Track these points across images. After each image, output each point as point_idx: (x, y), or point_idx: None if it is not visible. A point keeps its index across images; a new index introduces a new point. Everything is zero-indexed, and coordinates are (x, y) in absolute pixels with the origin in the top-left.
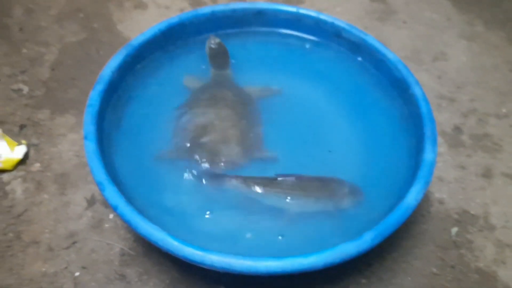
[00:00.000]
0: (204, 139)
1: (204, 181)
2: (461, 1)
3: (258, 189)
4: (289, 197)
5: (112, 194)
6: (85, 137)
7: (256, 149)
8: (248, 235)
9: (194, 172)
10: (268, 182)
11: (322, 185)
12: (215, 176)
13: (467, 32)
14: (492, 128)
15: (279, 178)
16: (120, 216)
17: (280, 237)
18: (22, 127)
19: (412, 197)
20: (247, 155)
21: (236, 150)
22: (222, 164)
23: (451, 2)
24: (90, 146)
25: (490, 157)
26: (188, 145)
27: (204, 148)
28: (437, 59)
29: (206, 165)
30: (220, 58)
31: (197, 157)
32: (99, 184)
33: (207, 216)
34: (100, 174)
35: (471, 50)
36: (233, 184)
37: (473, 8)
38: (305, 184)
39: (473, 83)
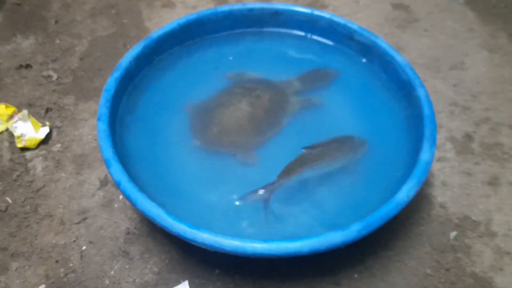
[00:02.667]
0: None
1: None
2: (485, 13)
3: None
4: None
5: (117, 171)
6: (98, 118)
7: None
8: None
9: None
10: (295, 167)
11: (340, 145)
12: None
13: (489, 43)
14: (504, 138)
15: (305, 151)
16: (122, 192)
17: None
18: (48, 110)
19: (403, 193)
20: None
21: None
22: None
23: (475, 13)
24: (102, 127)
25: (499, 166)
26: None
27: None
28: (455, 67)
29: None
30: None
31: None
32: (106, 161)
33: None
34: (108, 152)
35: (491, 61)
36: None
37: (497, 20)
38: (327, 149)
39: (489, 93)
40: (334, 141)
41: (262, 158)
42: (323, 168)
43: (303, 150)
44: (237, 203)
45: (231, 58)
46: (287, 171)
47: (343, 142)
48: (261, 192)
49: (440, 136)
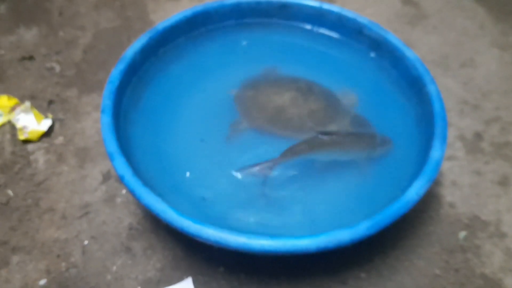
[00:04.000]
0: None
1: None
2: (497, 10)
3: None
4: (328, 153)
5: (121, 164)
6: (102, 111)
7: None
8: None
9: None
10: (310, 146)
11: (358, 139)
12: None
13: (500, 41)
14: None
15: (320, 136)
16: (126, 186)
17: None
18: (50, 102)
19: (413, 192)
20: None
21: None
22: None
23: (486, 11)
24: (105, 119)
25: (509, 166)
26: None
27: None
28: (465, 65)
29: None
30: None
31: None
32: (109, 155)
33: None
34: (112, 145)
35: (502, 59)
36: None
37: (509, 17)
38: (342, 140)
39: (500, 92)
40: (353, 134)
41: None
42: (332, 156)
43: (317, 134)
44: (236, 174)
45: (244, 43)
46: (292, 150)
47: (361, 137)
48: (261, 166)
49: (450, 135)
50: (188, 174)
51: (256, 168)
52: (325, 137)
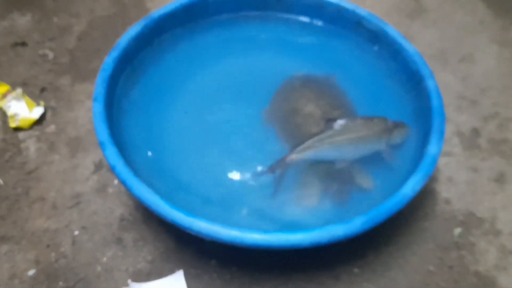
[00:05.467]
0: None
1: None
2: (497, 6)
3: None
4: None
5: (112, 154)
6: (94, 99)
7: None
8: None
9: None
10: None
11: (368, 121)
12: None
13: (500, 37)
14: None
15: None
16: (117, 176)
17: None
18: (43, 90)
19: (409, 187)
20: None
21: None
22: None
23: (486, 6)
24: (97, 108)
25: (506, 163)
26: None
27: None
28: (464, 60)
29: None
30: None
31: None
32: (101, 144)
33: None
34: (103, 134)
35: (502, 55)
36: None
37: (509, 13)
38: (352, 125)
39: (498, 88)
40: (361, 118)
41: None
42: (346, 146)
43: (326, 122)
44: (251, 178)
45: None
46: (304, 145)
47: (371, 120)
48: (275, 166)
49: (447, 130)
50: (150, 153)
51: (271, 170)
52: (334, 124)
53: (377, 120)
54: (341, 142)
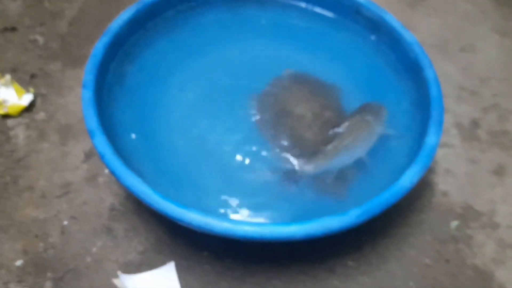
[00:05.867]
0: None
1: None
2: None
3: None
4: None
5: (101, 142)
6: (84, 86)
7: None
8: None
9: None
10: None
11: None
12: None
13: (501, 26)
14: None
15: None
16: (106, 165)
17: None
18: (33, 76)
19: (406, 179)
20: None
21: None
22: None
23: None
24: (87, 95)
25: (506, 155)
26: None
27: None
28: (465, 50)
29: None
30: None
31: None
32: (90, 132)
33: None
34: (92, 122)
35: (503, 45)
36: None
37: (511, 3)
38: (354, 121)
39: (499, 79)
40: (356, 113)
41: None
42: (357, 146)
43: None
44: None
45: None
46: (321, 156)
47: (364, 111)
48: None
49: (446, 121)
50: (133, 136)
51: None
52: (339, 129)
53: (368, 109)
54: (352, 143)
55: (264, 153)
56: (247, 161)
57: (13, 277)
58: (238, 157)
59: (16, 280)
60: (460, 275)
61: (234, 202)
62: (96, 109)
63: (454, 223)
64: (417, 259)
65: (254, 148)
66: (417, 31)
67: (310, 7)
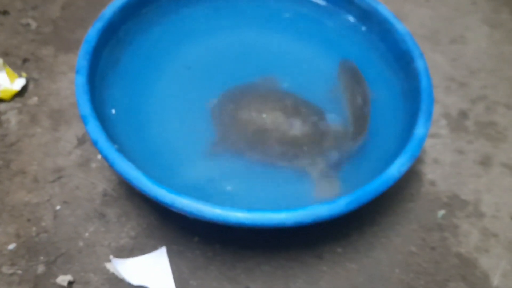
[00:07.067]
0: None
1: None
2: None
3: None
4: None
5: (94, 128)
6: (77, 71)
7: None
8: None
9: None
10: None
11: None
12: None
13: (491, 18)
14: (499, 117)
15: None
16: (99, 151)
17: None
18: (25, 61)
19: (395, 168)
20: None
21: None
22: None
23: None
24: (80, 80)
25: (492, 146)
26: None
27: None
28: (455, 41)
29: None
30: None
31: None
32: (83, 118)
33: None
34: (85, 108)
35: (492, 37)
36: None
37: None
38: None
39: (488, 70)
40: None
41: None
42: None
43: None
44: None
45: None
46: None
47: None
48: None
49: (435, 112)
50: (113, 111)
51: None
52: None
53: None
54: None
55: None
56: None
57: (6, 260)
58: None
59: (9, 263)
60: (445, 262)
61: None
62: (89, 95)
63: (440, 212)
64: (403, 247)
65: None
66: (408, 22)
67: None
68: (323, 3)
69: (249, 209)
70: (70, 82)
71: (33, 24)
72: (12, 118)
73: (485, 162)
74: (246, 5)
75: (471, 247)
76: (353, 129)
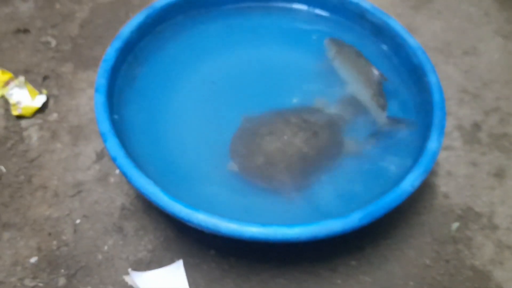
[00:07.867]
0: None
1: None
2: None
3: None
4: None
5: (113, 145)
6: (96, 90)
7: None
8: None
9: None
10: None
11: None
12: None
13: (504, 29)
14: None
15: None
16: (118, 168)
17: None
18: (45, 78)
19: (408, 183)
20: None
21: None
22: None
23: None
24: (99, 99)
25: (506, 158)
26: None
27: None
28: (468, 53)
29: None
30: None
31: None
32: (102, 135)
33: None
34: (105, 125)
35: (506, 48)
36: None
37: None
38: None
39: (501, 82)
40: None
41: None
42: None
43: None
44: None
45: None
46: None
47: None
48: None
49: (448, 124)
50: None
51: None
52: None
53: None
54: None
55: None
56: None
57: (28, 273)
58: None
59: (31, 276)
60: (459, 275)
61: None
62: (108, 113)
63: (454, 225)
64: (417, 260)
65: None
66: (421, 34)
67: (316, 11)
68: (337, 18)
69: (264, 224)
70: (89, 98)
71: (53, 42)
72: (34, 134)
73: (499, 174)
74: (260, 22)
75: (486, 260)
76: (382, 101)
